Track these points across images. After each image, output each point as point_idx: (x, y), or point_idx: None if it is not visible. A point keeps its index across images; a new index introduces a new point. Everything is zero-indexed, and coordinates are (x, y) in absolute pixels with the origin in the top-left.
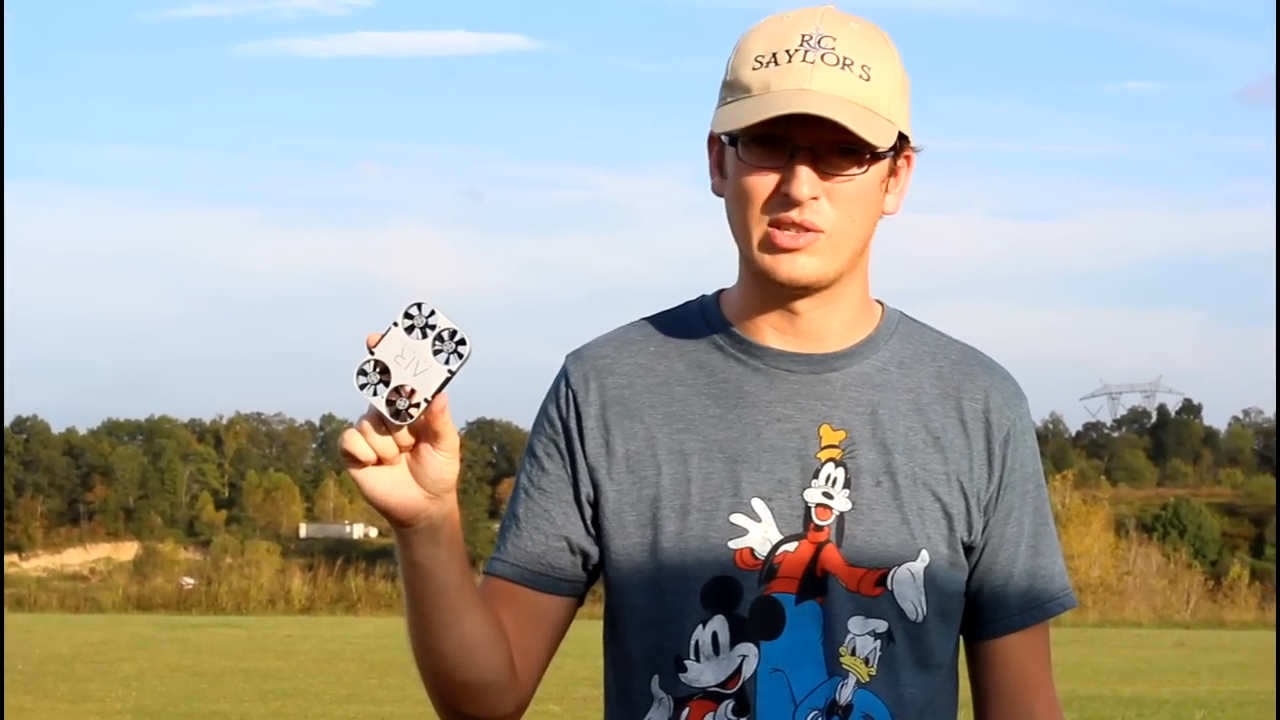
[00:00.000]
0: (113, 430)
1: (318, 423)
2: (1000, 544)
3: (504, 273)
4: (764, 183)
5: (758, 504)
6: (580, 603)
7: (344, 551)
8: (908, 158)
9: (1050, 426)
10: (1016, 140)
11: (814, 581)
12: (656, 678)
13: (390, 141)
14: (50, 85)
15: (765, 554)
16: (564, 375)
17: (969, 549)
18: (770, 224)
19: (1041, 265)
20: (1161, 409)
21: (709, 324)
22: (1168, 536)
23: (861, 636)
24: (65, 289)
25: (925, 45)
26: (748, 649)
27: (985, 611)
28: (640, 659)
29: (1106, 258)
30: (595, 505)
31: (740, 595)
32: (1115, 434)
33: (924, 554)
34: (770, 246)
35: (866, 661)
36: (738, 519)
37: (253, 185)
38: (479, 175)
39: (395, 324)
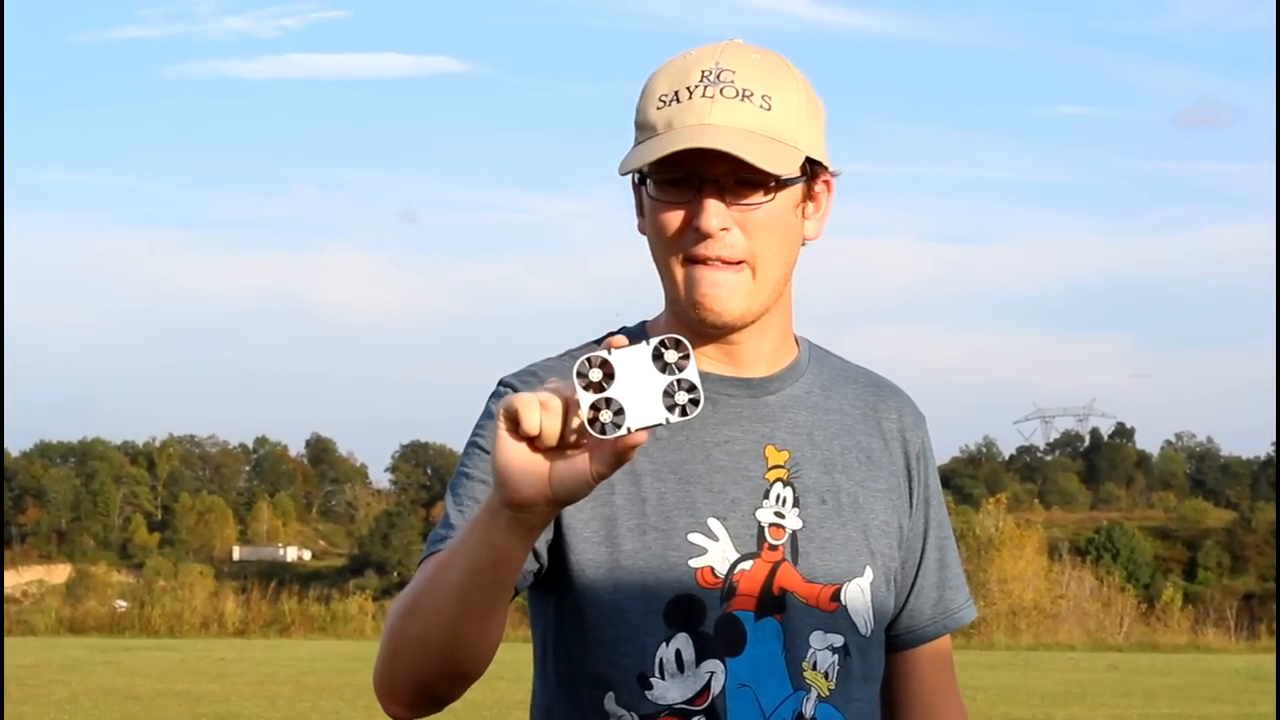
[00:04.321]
0: (45, 452)
1: (251, 445)
2: (918, 558)
3: (439, 295)
4: (674, 218)
5: (714, 523)
6: (513, 597)
7: (277, 574)
8: (826, 183)
9: (983, 450)
10: (949, 164)
11: (771, 599)
12: (612, 695)
13: (324, 164)
14: None
15: (724, 572)
16: (514, 389)
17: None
18: (687, 260)
19: (974, 289)
20: (1094, 432)
21: None
22: (1101, 560)
23: (821, 651)
24: None
25: (857, 69)
26: (714, 665)
27: (899, 623)
28: (594, 677)
29: (1040, 281)
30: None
31: (704, 613)
32: (1048, 457)
33: (869, 569)
34: (693, 286)
35: (826, 675)
36: (696, 538)
37: (186, 207)
38: (414, 198)
39: (647, 343)
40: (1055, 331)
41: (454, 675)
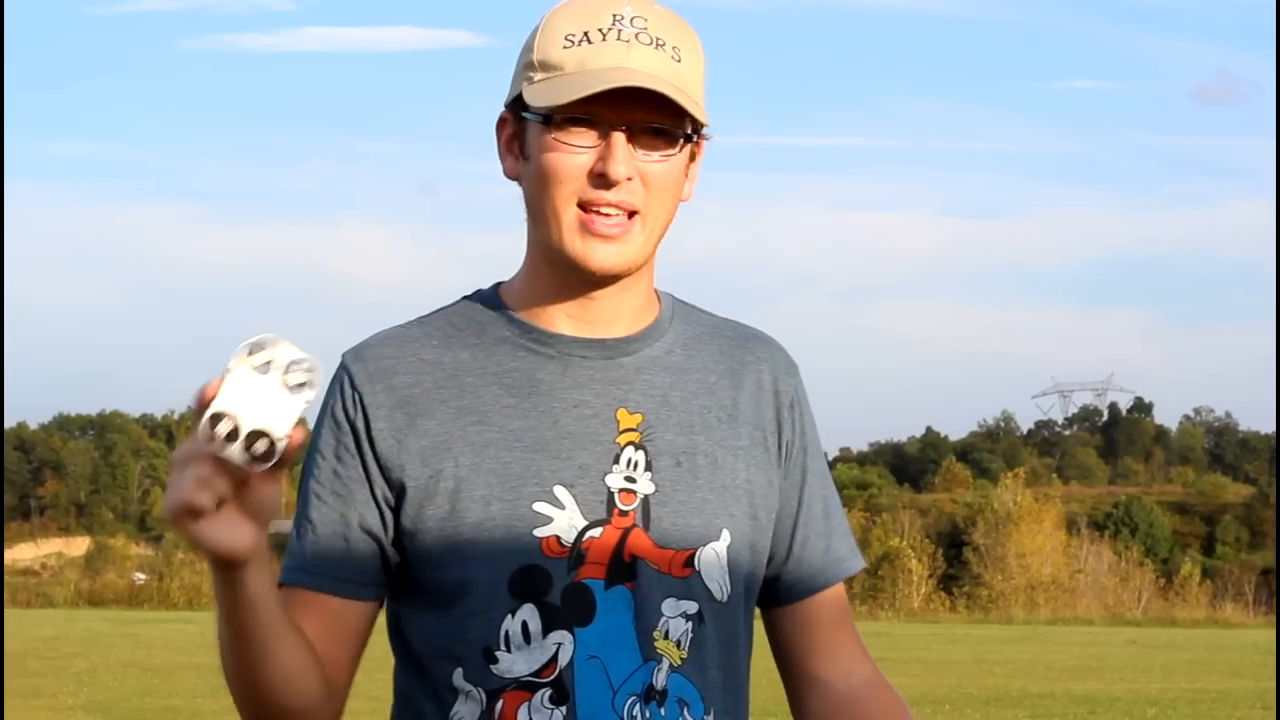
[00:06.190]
0: (64, 425)
1: None
2: (795, 508)
3: (456, 268)
4: (577, 163)
5: (560, 491)
6: (381, 605)
7: None
8: (699, 145)
9: (1001, 424)
10: (967, 139)
11: (622, 566)
12: (460, 670)
13: (341, 137)
14: None
15: (572, 541)
16: (346, 374)
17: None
18: (580, 206)
19: (992, 263)
20: (1113, 407)
21: (492, 316)
22: (1119, 535)
23: (674, 619)
24: (14, 283)
25: (876, 44)
26: (562, 636)
27: (786, 575)
28: (441, 653)
29: (1058, 256)
30: (394, 506)
31: (550, 583)
32: (1067, 432)
33: (726, 533)
34: (584, 233)
35: (678, 644)
36: (541, 507)
37: (203, 180)
38: (431, 170)
39: (228, 370)
40: (1073, 306)
41: (284, 714)
